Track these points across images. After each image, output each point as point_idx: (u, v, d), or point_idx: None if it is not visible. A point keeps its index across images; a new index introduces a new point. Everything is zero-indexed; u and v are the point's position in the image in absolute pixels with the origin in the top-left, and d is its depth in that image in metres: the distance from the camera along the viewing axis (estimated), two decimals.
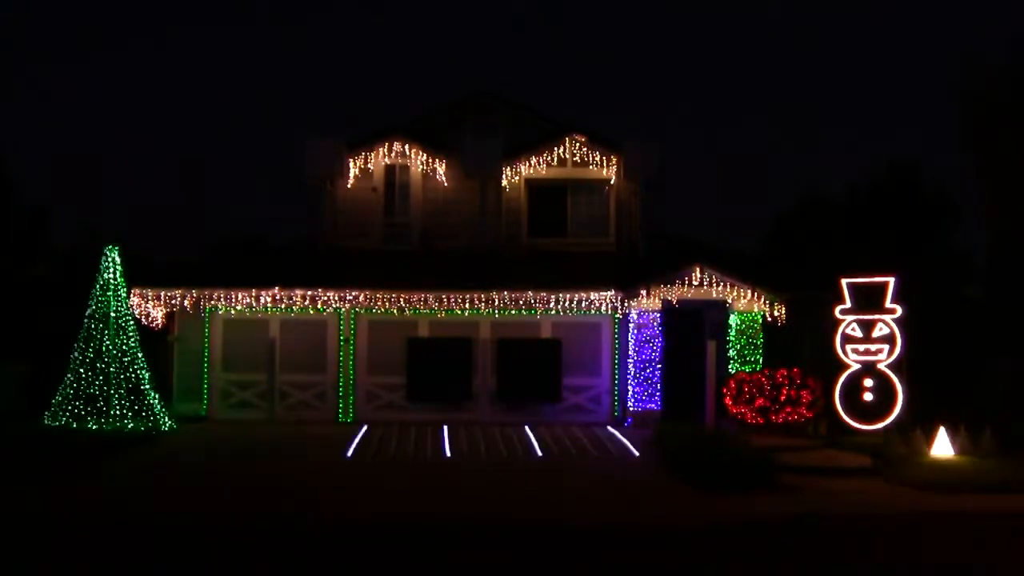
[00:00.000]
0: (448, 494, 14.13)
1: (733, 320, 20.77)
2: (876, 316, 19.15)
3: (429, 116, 24.16)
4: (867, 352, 19.17)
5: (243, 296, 20.66)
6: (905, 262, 24.48)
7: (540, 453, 17.48)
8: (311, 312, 21.18)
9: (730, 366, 20.64)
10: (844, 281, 19.51)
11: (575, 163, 23.47)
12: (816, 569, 10.37)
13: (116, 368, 19.08)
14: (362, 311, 21.31)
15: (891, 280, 19.18)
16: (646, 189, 23.40)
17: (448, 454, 17.41)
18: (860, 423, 19.01)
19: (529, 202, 23.54)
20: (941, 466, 16.07)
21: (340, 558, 10.51)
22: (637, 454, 17.42)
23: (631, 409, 20.73)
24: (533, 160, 23.26)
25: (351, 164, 23.31)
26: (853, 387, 19.21)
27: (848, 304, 19.41)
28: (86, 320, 19.32)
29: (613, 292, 20.56)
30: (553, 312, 20.87)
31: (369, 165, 23.43)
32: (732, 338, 20.78)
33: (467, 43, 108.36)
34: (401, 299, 20.69)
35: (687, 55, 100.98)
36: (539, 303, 20.72)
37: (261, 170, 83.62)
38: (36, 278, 30.25)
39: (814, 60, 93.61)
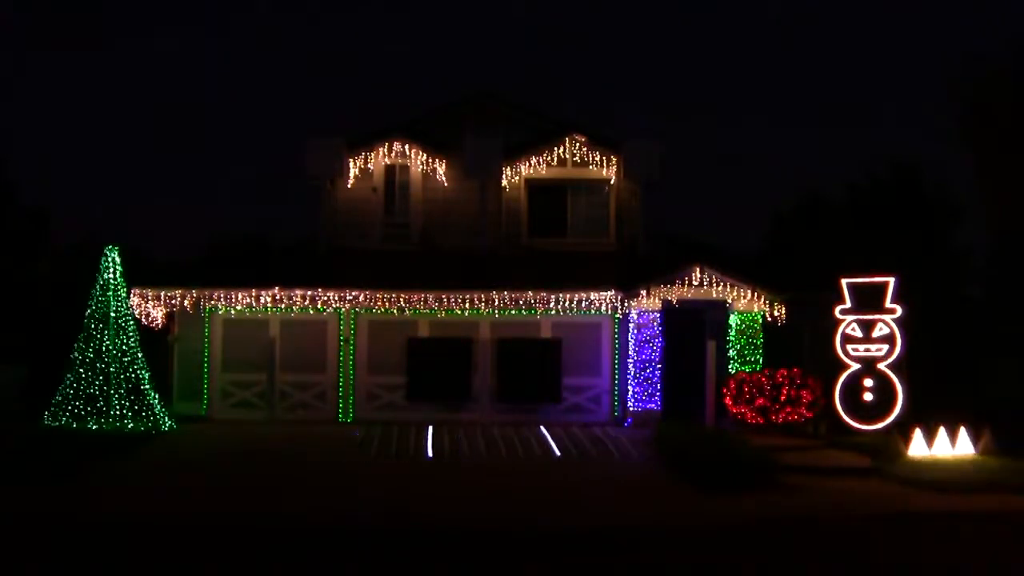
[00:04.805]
0: (448, 494, 14.13)
1: (733, 320, 20.77)
2: (876, 316, 19.14)
3: (429, 116, 24.15)
4: (867, 352, 19.16)
5: (243, 296, 20.66)
6: (905, 262, 24.45)
7: (540, 453, 17.48)
8: (311, 312, 21.18)
9: (730, 366, 20.64)
10: (844, 281, 19.51)
11: (575, 163, 23.47)
12: (816, 569, 10.38)
13: (116, 368, 19.08)
14: (362, 311, 21.30)
15: (891, 280, 19.18)
16: (646, 189, 23.40)
17: (448, 454, 17.40)
18: (860, 423, 19.00)
19: (529, 202, 23.54)
20: (941, 466, 16.07)
21: (340, 558, 10.52)
22: (637, 454, 17.42)
23: (631, 409, 20.73)
24: (533, 160, 23.27)
25: (351, 164, 23.32)
26: (853, 387, 19.20)
27: (848, 304, 19.40)
28: (86, 320, 19.32)
29: (613, 292, 20.56)
30: (553, 312, 20.87)
31: (369, 165, 23.43)
32: (732, 338, 20.78)
33: (467, 43, 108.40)
34: (401, 299, 20.69)
35: (687, 55, 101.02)
36: (539, 303, 20.73)
37: (261, 170, 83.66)
38: (36, 278, 30.26)
39: (814, 59, 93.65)
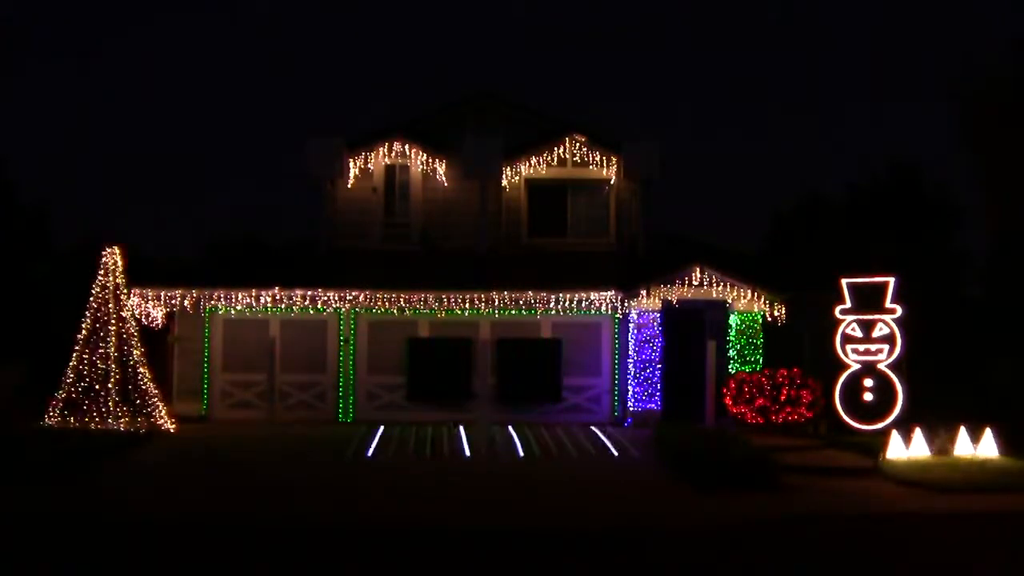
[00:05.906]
0: (447, 494, 14.12)
1: (733, 320, 20.77)
2: (876, 316, 19.14)
3: (429, 116, 24.16)
4: (867, 352, 19.16)
5: (243, 296, 20.66)
6: (905, 262, 24.48)
7: (540, 453, 17.47)
8: (311, 312, 21.18)
9: (730, 366, 20.64)
10: (844, 281, 19.50)
11: (575, 163, 23.46)
12: (817, 569, 10.38)
13: (116, 368, 19.06)
14: (362, 311, 21.30)
15: (891, 280, 19.18)
16: (646, 189, 23.40)
17: (447, 454, 17.40)
18: (860, 423, 19.00)
19: (529, 202, 23.54)
20: (941, 466, 16.06)
21: (340, 558, 10.52)
22: (637, 454, 17.41)
23: (631, 409, 20.72)
24: (533, 160, 23.27)
25: (351, 164, 23.31)
26: (853, 387, 19.20)
27: (848, 304, 19.40)
28: (86, 320, 19.30)
29: (613, 292, 20.56)
30: (553, 312, 20.86)
31: (369, 165, 23.43)
32: (732, 338, 20.78)
33: (467, 43, 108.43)
34: (401, 299, 20.69)
35: (687, 55, 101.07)
36: (539, 303, 20.72)
37: (261, 170, 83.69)
38: (36, 278, 30.25)
39: (814, 59, 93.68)
